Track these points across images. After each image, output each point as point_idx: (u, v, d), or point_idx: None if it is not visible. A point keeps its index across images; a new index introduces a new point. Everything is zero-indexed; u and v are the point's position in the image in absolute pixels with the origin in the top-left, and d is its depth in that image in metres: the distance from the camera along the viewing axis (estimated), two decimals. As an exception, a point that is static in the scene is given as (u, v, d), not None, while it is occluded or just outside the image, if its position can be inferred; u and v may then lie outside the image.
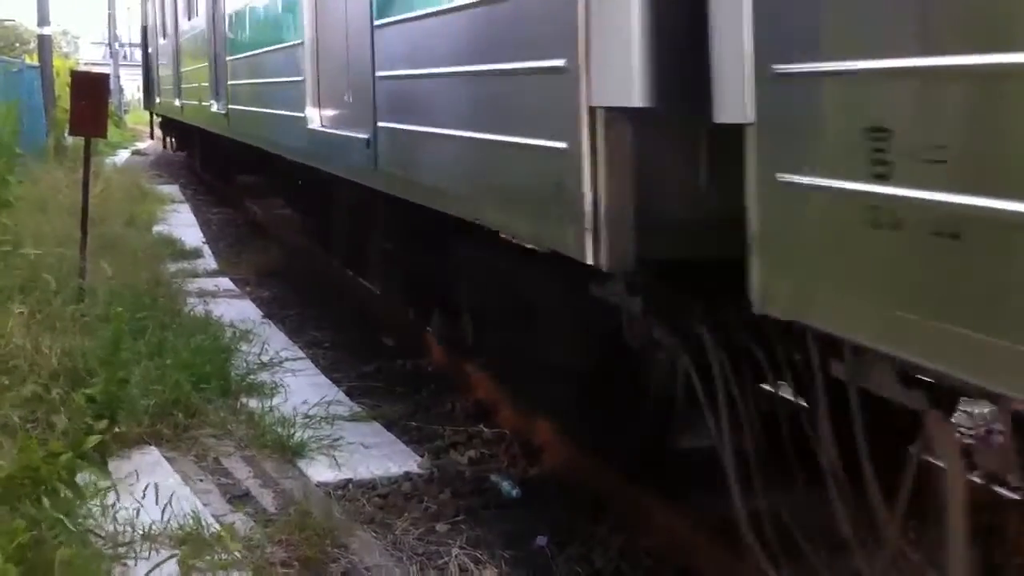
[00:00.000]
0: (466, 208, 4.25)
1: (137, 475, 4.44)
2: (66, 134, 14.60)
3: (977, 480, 3.87)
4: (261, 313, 8.26)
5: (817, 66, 2.25)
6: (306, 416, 5.50)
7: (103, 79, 8.13)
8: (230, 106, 10.86)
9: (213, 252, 11.43)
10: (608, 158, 3.05)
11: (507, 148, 3.70)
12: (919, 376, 2.52)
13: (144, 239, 10.88)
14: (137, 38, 29.93)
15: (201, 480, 4.69)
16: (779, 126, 2.40)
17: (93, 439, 4.00)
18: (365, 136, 5.52)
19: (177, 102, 16.93)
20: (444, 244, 5.47)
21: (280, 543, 3.99)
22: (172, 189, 17.82)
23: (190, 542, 3.88)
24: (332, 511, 4.32)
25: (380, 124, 5.28)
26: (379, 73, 5.26)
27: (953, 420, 2.75)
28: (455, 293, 5.71)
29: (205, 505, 4.34)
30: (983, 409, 4.66)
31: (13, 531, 3.37)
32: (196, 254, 11.08)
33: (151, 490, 4.29)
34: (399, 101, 5.09)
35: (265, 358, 6.60)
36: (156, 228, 12.43)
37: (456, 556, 4.02)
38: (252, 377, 6.16)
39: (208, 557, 3.77)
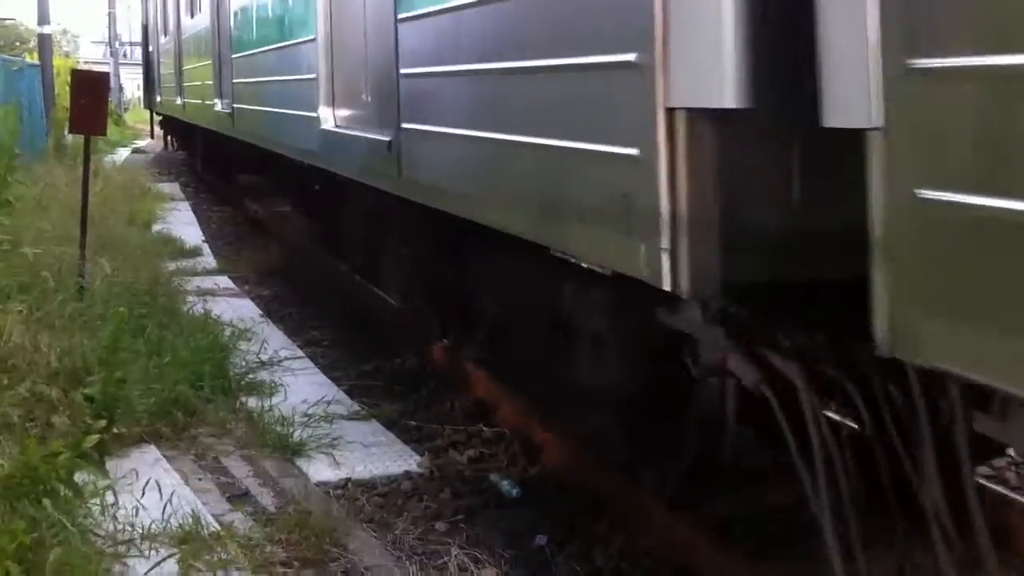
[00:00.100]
0: (507, 221, 3.87)
1: (136, 474, 4.43)
2: (66, 132, 14.59)
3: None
4: (260, 312, 8.25)
5: (969, 61, 1.89)
6: (305, 415, 5.49)
7: (103, 77, 8.12)
8: (235, 105, 10.63)
9: (212, 250, 11.43)
10: (690, 167, 2.68)
11: (561, 155, 3.34)
12: None
13: (144, 237, 10.87)
14: (137, 37, 29.96)
15: (200, 479, 4.68)
16: (919, 132, 2.02)
17: (91, 439, 3.99)
18: (386, 138, 5.19)
19: (179, 101, 16.83)
20: (467, 254, 5.15)
21: (280, 542, 3.98)
22: (172, 187, 17.81)
23: (190, 542, 3.88)
24: (332, 510, 4.32)
25: (404, 125, 4.93)
26: (404, 70, 4.92)
27: None
28: (478, 305, 5.39)
29: (204, 504, 4.34)
30: None
31: (13, 531, 3.37)
32: (195, 252, 11.07)
33: (151, 489, 4.29)
34: (428, 101, 4.73)
35: (264, 357, 6.60)
36: (156, 227, 12.42)
37: (456, 555, 4.01)
38: (251, 376, 6.16)
39: (208, 557, 3.77)
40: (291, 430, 5.24)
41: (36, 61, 22.13)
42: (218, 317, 7.38)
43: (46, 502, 3.66)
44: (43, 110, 19.91)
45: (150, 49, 23.84)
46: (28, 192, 11.03)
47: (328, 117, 6.62)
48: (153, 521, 3.99)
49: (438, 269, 5.75)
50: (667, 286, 2.73)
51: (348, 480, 4.80)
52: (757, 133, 2.69)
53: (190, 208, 15.21)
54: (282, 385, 6.02)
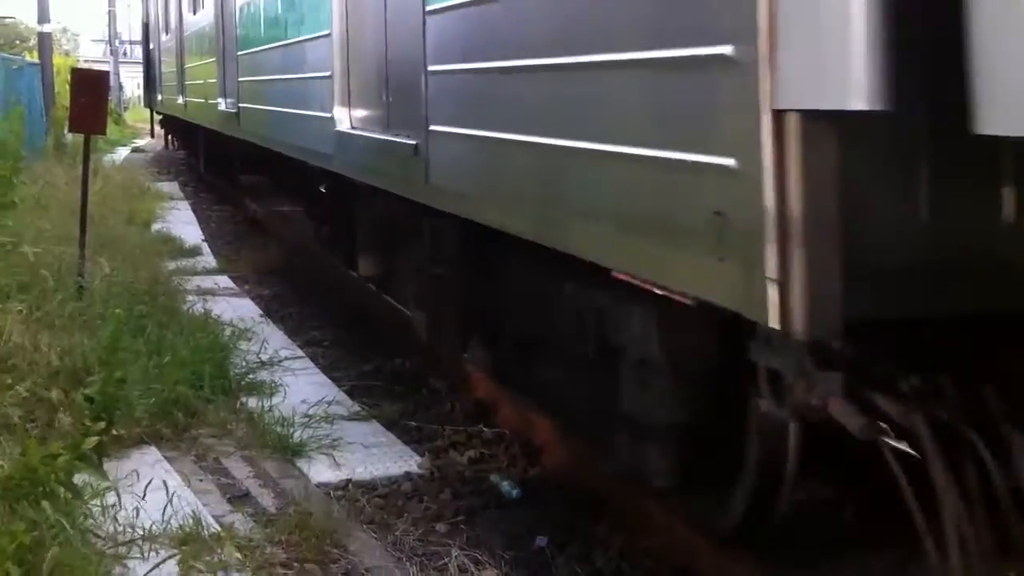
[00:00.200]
0: (561, 238, 3.46)
1: (137, 475, 4.43)
2: (66, 131, 14.58)
3: None
4: (260, 311, 8.25)
5: None
6: (306, 416, 5.49)
7: (103, 76, 8.12)
8: (241, 104, 10.25)
9: (212, 250, 11.43)
10: (804, 180, 2.25)
11: (636, 165, 2.92)
12: None
13: (143, 237, 10.87)
14: (138, 35, 29.94)
15: (201, 480, 4.68)
16: None
17: (90, 440, 3.99)
18: (412, 142, 4.81)
19: (180, 100, 16.61)
20: (501, 269, 4.75)
21: (280, 543, 3.98)
22: (171, 187, 17.81)
23: (190, 542, 3.88)
24: (332, 511, 4.32)
25: (433, 128, 4.54)
26: (432, 67, 4.54)
27: None
28: (513, 327, 4.94)
29: (205, 505, 4.33)
30: None
31: (13, 532, 3.37)
32: (195, 252, 11.07)
33: (151, 490, 4.28)
34: (461, 101, 4.33)
35: (264, 357, 6.60)
36: (155, 226, 12.42)
37: (456, 556, 4.01)
38: (252, 376, 6.16)
39: (208, 558, 3.77)
40: (291, 431, 5.23)
41: (36, 60, 22.15)
42: (218, 317, 7.38)
43: (45, 503, 3.66)
44: (43, 109, 19.92)
45: (151, 47, 23.72)
46: (28, 191, 11.02)
47: (343, 118, 6.30)
48: (153, 522, 3.99)
49: (466, 285, 5.25)
50: (774, 323, 2.30)
51: (348, 481, 4.80)
52: (887, 141, 2.32)
53: (190, 207, 15.21)
54: (282, 385, 6.01)
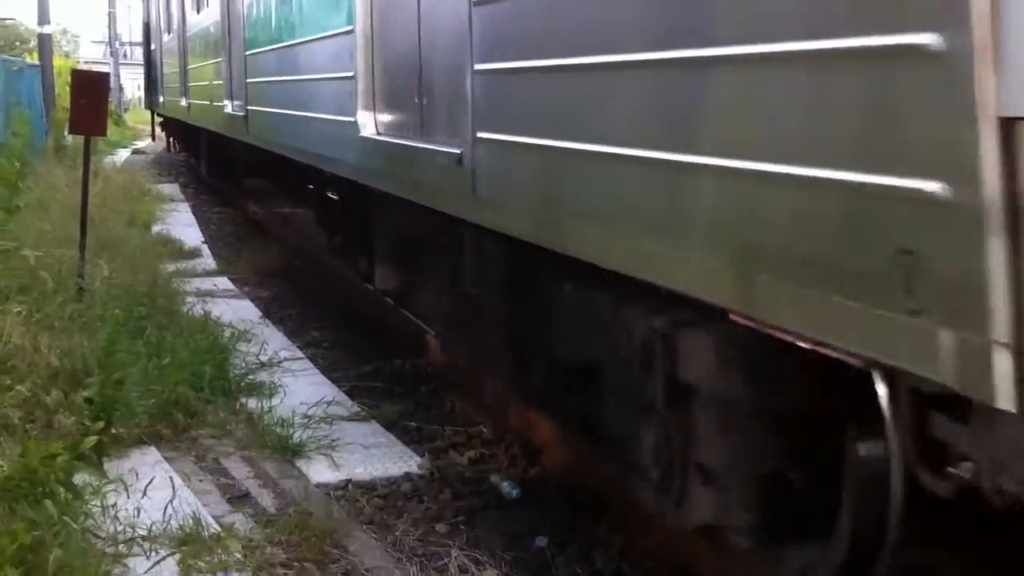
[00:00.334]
0: (667, 272, 2.89)
1: (136, 475, 4.44)
2: (66, 133, 14.59)
3: None
4: (260, 313, 8.25)
5: None
6: (305, 416, 5.49)
7: (103, 78, 8.13)
8: (249, 107, 9.72)
9: (212, 252, 11.43)
10: None
11: (782, 187, 2.34)
12: None
13: (143, 239, 10.87)
14: (138, 37, 29.93)
15: (201, 481, 4.68)
16: None
17: (89, 440, 3.99)
18: (455, 150, 4.30)
19: (183, 102, 16.28)
20: (544, 287, 4.23)
21: (280, 544, 3.98)
22: (172, 188, 17.81)
23: (190, 543, 3.88)
24: (332, 512, 4.32)
25: (480, 135, 4.03)
26: (480, 66, 4.02)
27: None
28: (555, 351, 4.32)
29: (205, 506, 4.33)
30: None
31: (14, 532, 3.37)
32: (195, 254, 11.08)
33: (151, 491, 4.29)
34: (520, 104, 3.80)
35: (264, 358, 6.60)
36: (155, 228, 12.42)
37: (456, 557, 4.01)
38: (251, 377, 6.16)
39: (208, 558, 3.77)
40: (291, 431, 5.24)
41: (36, 61, 22.18)
42: (218, 318, 7.38)
43: (46, 503, 3.66)
44: (43, 110, 19.93)
45: (152, 48, 23.56)
46: (31, 195, 11.03)
47: (368, 123, 5.74)
48: (154, 522, 3.99)
49: (512, 309, 4.63)
50: (1006, 403, 1.81)
51: (348, 481, 4.80)
52: None
53: (190, 209, 15.21)
54: (282, 386, 6.02)
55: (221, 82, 11.51)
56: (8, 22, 59.72)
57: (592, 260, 3.29)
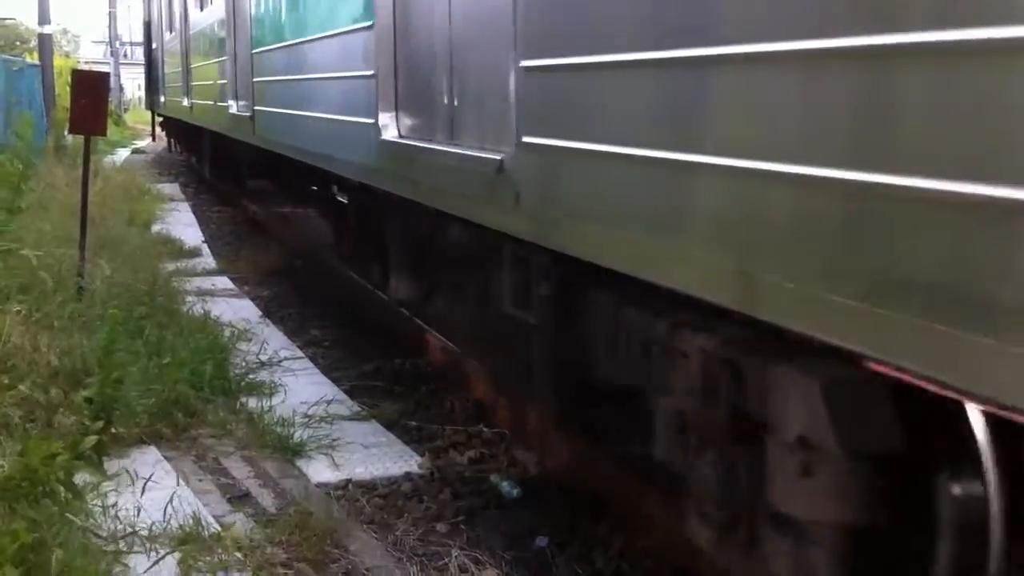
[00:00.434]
0: (782, 313, 2.42)
1: (136, 475, 4.44)
2: (66, 133, 14.58)
3: None
4: (260, 312, 8.25)
5: None
6: (306, 416, 5.49)
7: (103, 78, 8.12)
8: (256, 107, 9.35)
9: (212, 251, 11.43)
10: None
11: (944, 210, 1.95)
12: None
13: (143, 238, 10.87)
14: (138, 37, 29.92)
15: (201, 480, 4.68)
16: None
17: (89, 440, 3.99)
18: (495, 156, 3.95)
19: (186, 102, 16.10)
20: (594, 308, 3.84)
21: (280, 544, 3.98)
22: (172, 188, 17.81)
23: (190, 542, 3.88)
24: (332, 511, 4.31)
25: (527, 139, 3.67)
26: (529, 62, 3.64)
27: None
28: (608, 381, 3.89)
29: (205, 505, 4.33)
30: None
31: (15, 532, 3.37)
32: (195, 253, 11.07)
33: (151, 490, 4.29)
34: (578, 106, 3.37)
35: (264, 357, 6.60)
36: (155, 227, 12.42)
37: (456, 557, 4.01)
38: (251, 376, 6.16)
39: (208, 558, 3.77)
40: (291, 431, 5.24)
41: (36, 61, 22.17)
42: (218, 318, 7.39)
43: (46, 503, 3.66)
44: (43, 110, 19.94)
45: (153, 47, 23.48)
46: (32, 196, 11.03)
47: (390, 124, 5.39)
48: (154, 522, 4.00)
49: (559, 333, 4.16)
50: None
51: (348, 481, 4.80)
52: None
53: (190, 209, 15.21)
54: (282, 386, 6.02)
55: (226, 81, 11.27)
56: (8, 22, 59.78)
57: (713, 300, 2.71)
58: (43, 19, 21.18)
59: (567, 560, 4.10)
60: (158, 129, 28.94)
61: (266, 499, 4.52)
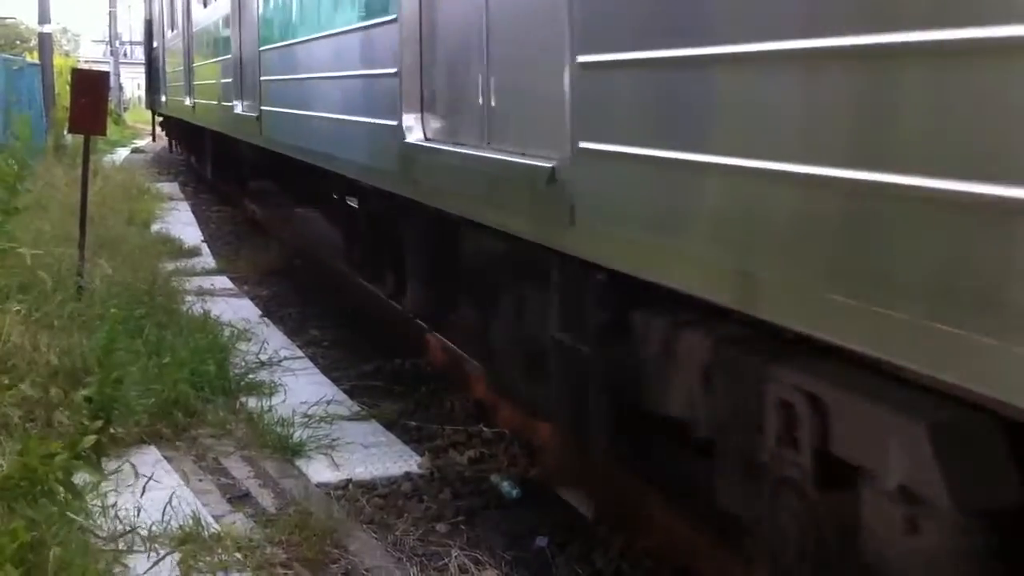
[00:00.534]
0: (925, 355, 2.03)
1: (136, 475, 4.43)
2: (65, 132, 14.57)
3: None
4: (260, 312, 8.25)
5: None
6: (305, 416, 5.49)
7: (103, 77, 8.12)
8: (263, 108, 8.99)
9: (212, 251, 11.43)
10: None
11: None
12: None
13: (143, 237, 10.87)
14: (138, 36, 29.90)
15: (200, 480, 4.68)
16: None
17: (88, 439, 3.99)
18: (545, 164, 3.53)
19: (188, 101, 15.88)
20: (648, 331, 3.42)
21: (280, 544, 3.98)
22: (171, 187, 17.82)
23: (190, 542, 3.88)
24: (332, 511, 4.31)
25: (583, 145, 3.27)
26: (585, 57, 3.24)
27: None
28: (655, 408, 3.49)
29: (205, 505, 4.33)
30: None
31: (14, 531, 3.37)
32: (195, 252, 11.08)
33: (151, 490, 4.29)
34: (651, 106, 2.95)
35: (264, 357, 6.60)
36: (155, 226, 12.42)
37: (456, 557, 4.00)
38: (251, 376, 6.16)
39: (208, 558, 3.77)
40: (291, 431, 5.23)
41: (36, 60, 22.17)
42: (217, 317, 7.38)
43: (45, 502, 3.66)
44: (43, 109, 19.94)
45: (154, 45, 23.37)
46: (30, 197, 11.03)
47: (415, 126, 5.01)
48: (153, 522, 3.99)
49: (615, 362, 3.62)
50: None
51: (348, 481, 4.79)
52: None
53: (189, 208, 15.22)
54: (282, 385, 6.02)
55: (231, 81, 10.94)
56: (8, 21, 59.80)
57: (821, 336, 2.33)
58: (43, 18, 21.19)
59: (567, 560, 4.10)
60: (158, 129, 28.92)
61: (266, 499, 4.52)
